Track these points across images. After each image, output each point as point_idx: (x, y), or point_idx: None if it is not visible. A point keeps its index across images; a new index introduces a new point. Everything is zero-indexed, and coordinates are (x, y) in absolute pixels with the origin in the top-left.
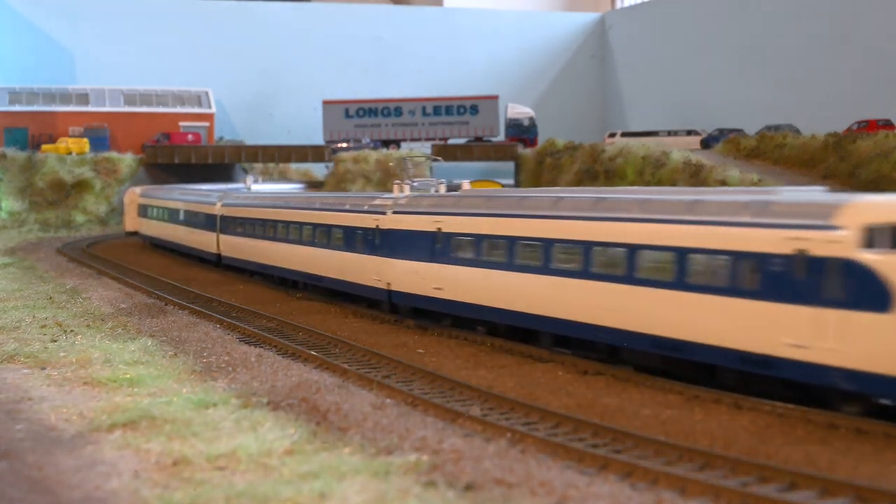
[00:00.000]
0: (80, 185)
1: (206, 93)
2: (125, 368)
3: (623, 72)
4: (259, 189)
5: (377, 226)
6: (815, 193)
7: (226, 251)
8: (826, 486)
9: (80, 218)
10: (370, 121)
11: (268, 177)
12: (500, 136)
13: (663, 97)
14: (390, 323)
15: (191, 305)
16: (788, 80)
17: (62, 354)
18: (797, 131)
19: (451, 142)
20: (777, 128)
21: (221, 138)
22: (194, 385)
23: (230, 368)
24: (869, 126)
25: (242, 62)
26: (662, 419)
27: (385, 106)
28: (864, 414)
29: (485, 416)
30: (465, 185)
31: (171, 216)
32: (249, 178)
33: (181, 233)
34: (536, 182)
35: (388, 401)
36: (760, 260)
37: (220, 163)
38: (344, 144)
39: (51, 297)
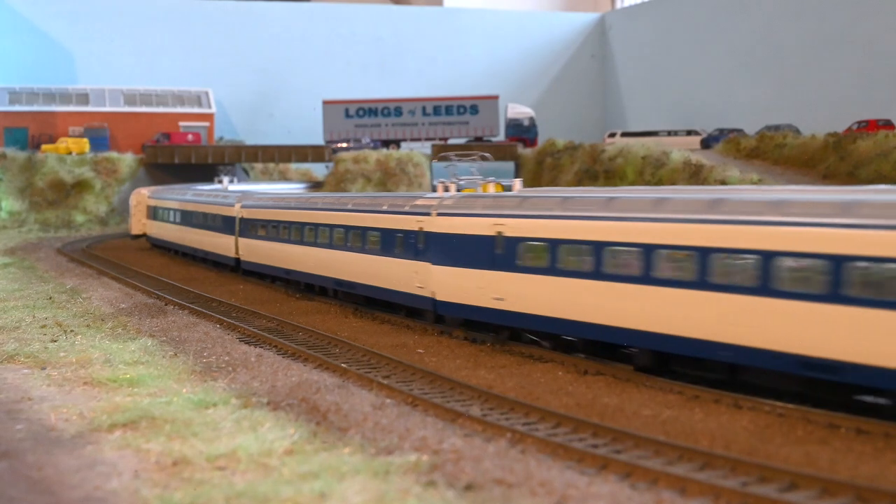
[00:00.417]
0: (80, 185)
1: (206, 93)
2: (125, 368)
3: (623, 72)
4: (240, 190)
5: (420, 228)
6: None
7: (245, 255)
8: (826, 486)
9: (80, 218)
10: (370, 121)
11: (268, 176)
12: (500, 136)
13: (663, 97)
14: (391, 323)
15: (191, 305)
16: (788, 80)
17: (62, 354)
18: (797, 131)
19: (451, 142)
20: (777, 128)
21: (221, 138)
22: (194, 385)
23: (230, 368)
24: (869, 126)
25: (242, 62)
26: (662, 419)
27: (385, 106)
28: (864, 413)
29: (485, 416)
30: (517, 184)
31: (184, 218)
32: (226, 179)
33: (195, 236)
34: (536, 182)
35: (388, 401)
36: None
37: (220, 163)
38: (344, 144)
39: (51, 297)
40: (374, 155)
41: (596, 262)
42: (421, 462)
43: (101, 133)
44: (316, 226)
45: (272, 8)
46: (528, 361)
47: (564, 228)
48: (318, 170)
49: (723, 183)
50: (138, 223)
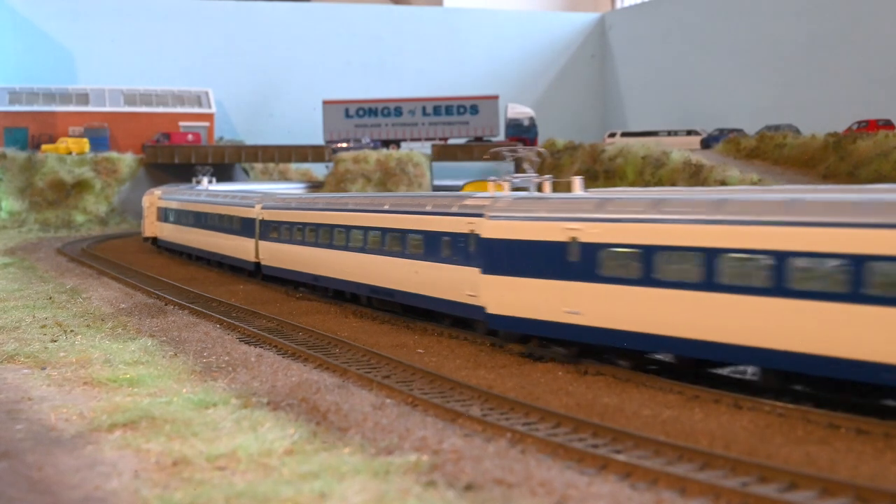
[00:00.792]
0: (80, 185)
1: (206, 93)
2: (125, 368)
3: (623, 72)
4: (220, 191)
5: (471, 231)
6: None
7: (267, 260)
8: (826, 486)
9: (80, 218)
10: (370, 121)
11: (267, 176)
12: (500, 136)
13: (663, 97)
14: (391, 323)
15: (191, 305)
16: (788, 80)
17: (62, 354)
18: (797, 131)
19: (451, 142)
20: (777, 128)
21: (221, 138)
22: (194, 385)
23: (230, 368)
24: (869, 126)
25: (242, 62)
26: (662, 419)
27: (385, 106)
28: (865, 413)
29: (485, 416)
30: (577, 183)
31: (198, 220)
32: (205, 179)
33: (211, 239)
34: None
35: (388, 401)
36: None
37: (220, 163)
38: (344, 144)
39: (51, 297)
40: (374, 155)
41: (707, 271)
42: (421, 462)
43: (101, 133)
44: (348, 228)
45: (272, 8)
46: (528, 361)
47: (663, 233)
48: (318, 170)
49: (723, 183)
50: (151, 225)
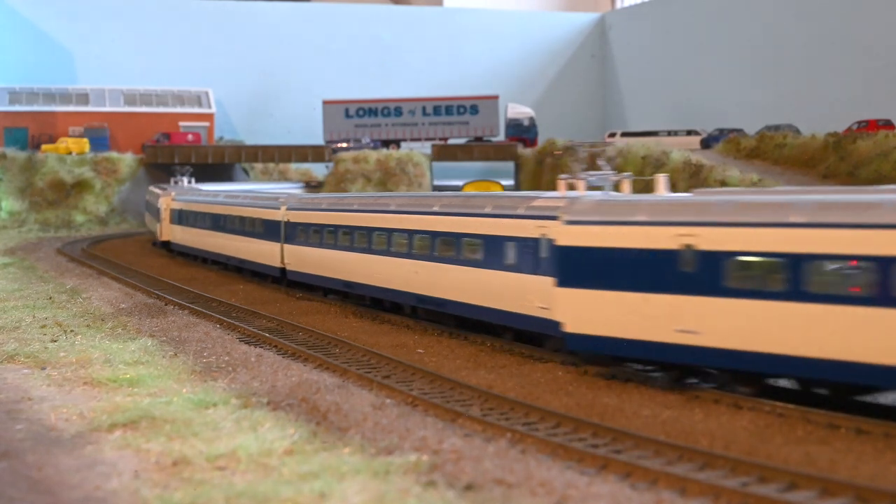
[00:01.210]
0: (80, 185)
1: (206, 93)
2: (125, 368)
3: (623, 72)
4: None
5: (542, 236)
6: None
7: (293, 265)
8: (826, 486)
9: (80, 218)
10: (370, 121)
11: (268, 176)
12: (500, 136)
13: (663, 97)
14: (391, 323)
15: (191, 305)
16: (788, 80)
17: (62, 354)
18: (797, 131)
19: (451, 142)
20: (777, 128)
21: (221, 138)
22: (194, 385)
23: (230, 368)
24: (869, 126)
25: (242, 62)
26: (662, 419)
27: (385, 106)
28: (864, 413)
29: (485, 416)
30: (662, 183)
31: (215, 223)
32: (184, 179)
33: (230, 243)
34: (537, 182)
35: (388, 401)
36: None
37: (220, 162)
38: (344, 144)
39: (51, 297)
40: (374, 155)
41: (880, 282)
42: (421, 462)
43: (101, 133)
44: (389, 231)
45: (272, 8)
46: (529, 361)
47: (818, 239)
48: (318, 170)
49: (723, 183)
50: (168, 228)
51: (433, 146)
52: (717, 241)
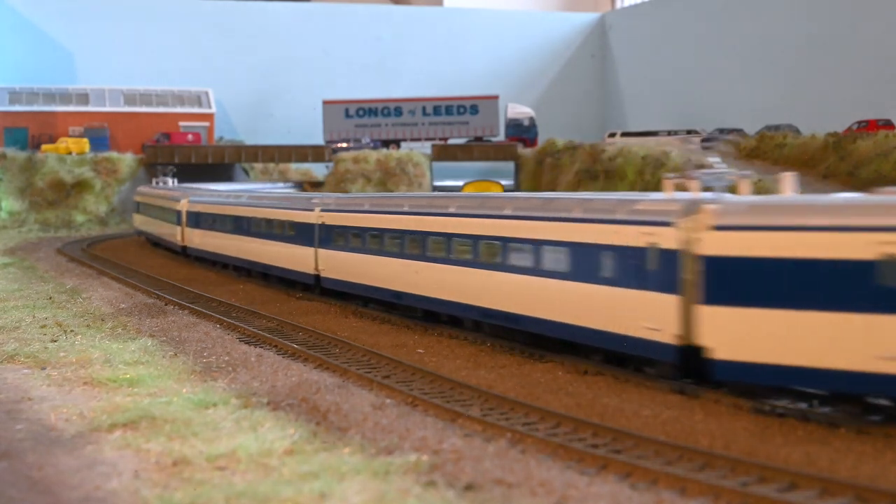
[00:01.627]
0: (80, 185)
1: (206, 93)
2: (125, 368)
3: (623, 72)
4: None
5: (650, 244)
6: None
7: (329, 271)
8: (826, 486)
9: (80, 218)
10: (370, 121)
11: (267, 176)
12: (500, 136)
13: (663, 97)
14: (391, 323)
15: (191, 305)
16: (788, 80)
17: (62, 354)
18: (797, 131)
19: (451, 142)
20: (777, 128)
21: (221, 138)
22: (194, 385)
23: (230, 368)
24: (869, 126)
25: (242, 62)
26: (662, 419)
27: (385, 106)
28: (864, 414)
29: (485, 416)
30: (789, 180)
31: (238, 226)
32: (170, 180)
33: (256, 247)
34: (537, 183)
35: (388, 401)
36: None
37: (220, 163)
38: (344, 144)
39: (51, 297)
40: (374, 155)
41: None
42: (421, 462)
43: (101, 133)
44: (449, 237)
45: (272, 8)
46: (529, 361)
47: None
48: (318, 170)
49: None
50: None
51: (433, 146)
52: None
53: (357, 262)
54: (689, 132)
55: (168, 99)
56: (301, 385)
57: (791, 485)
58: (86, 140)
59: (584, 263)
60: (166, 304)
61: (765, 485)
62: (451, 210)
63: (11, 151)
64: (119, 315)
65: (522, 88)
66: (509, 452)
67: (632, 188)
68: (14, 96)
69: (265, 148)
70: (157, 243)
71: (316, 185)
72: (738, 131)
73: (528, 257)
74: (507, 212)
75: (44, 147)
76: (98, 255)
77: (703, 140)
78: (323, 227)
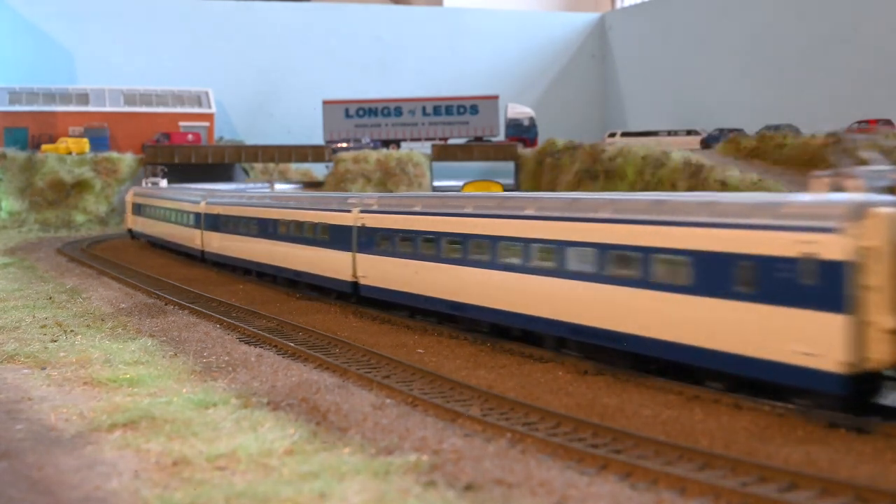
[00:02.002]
0: (80, 185)
1: (206, 93)
2: (125, 368)
3: (623, 72)
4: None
5: (808, 255)
6: None
7: (369, 279)
8: (826, 486)
9: (80, 218)
10: (370, 121)
11: (267, 176)
12: (500, 136)
13: (663, 97)
14: (391, 323)
15: (191, 305)
16: (788, 80)
17: (62, 354)
18: (797, 131)
19: (451, 142)
20: (777, 128)
21: (221, 138)
22: (194, 385)
23: (230, 368)
24: (869, 126)
25: (242, 62)
26: (662, 419)
27: (385, 106)
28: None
29: (485, 416)
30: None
31: (263, 229)
32: (162, 181)
33: (283, 251)
34: (536, 183)
35: (388, 401)
36: None
37: (220, 162)
38: (344, 144)
39: (51, 297)
40: (374, 155)
41: None
42: (421, 462)
43: (101, 133)
44: (527, 242)
45: (272, 8)
46: (529, 361)
47: None
48: (318, 170)
49: (723, 183)
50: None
51: (433, 146)
52: None
53: (405, 269)
54: (689, 132)
55: (168, 99)
56: (301, 385)
57: (791, 485)
58: (86, 140)
59: (715, 276)
60: (166, 304)
61: (765, 485)
62: (529, 213)
63: (11, 151)
64: (119, 315)
65: (522, 88)
66: (509, 452)
67: (632, 188)
68: (14, 96)
69: (265, 148)
70: (163, 247)
71: (316, 185)
72: (738, 131)
73: (636, 268)
74: (605, 215)
75: (44, 147)
76: (98, 255)
77: (704, 140)
78: (363, 229)
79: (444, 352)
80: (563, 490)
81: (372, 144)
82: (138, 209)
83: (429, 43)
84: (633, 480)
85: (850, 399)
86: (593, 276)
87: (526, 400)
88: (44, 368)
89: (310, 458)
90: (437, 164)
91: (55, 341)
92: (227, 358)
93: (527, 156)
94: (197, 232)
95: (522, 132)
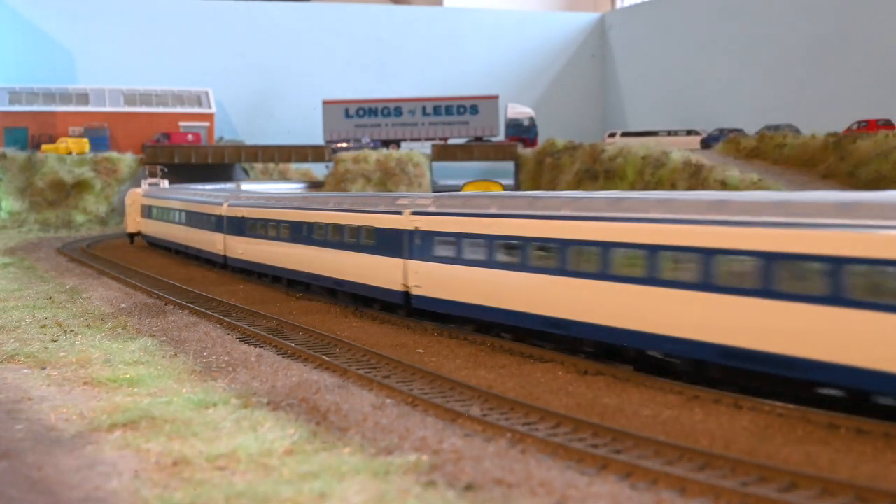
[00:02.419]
0: (80, 185)
1: (206, 93)
2: (125, 368)
3: (623, 72)
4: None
5: None
6: None
7: (426, 289)
8: (826, 486)
9: (80, 218)
10: (370, 121)
11: (268, 176)
12: (500, 136)
13: (663, 97)
14: (391, 323)
15: (191, 305)
16: (788, 80)
17: (62, 354)
18: (797, 131)
19: (451, 142)
20: (777, 128)
21: (221, 138)
22: (194, 385)
23: (230, 368)
24: (869, 126)
25: (242, 62)
26: (662, 419)
27: (385, 106)
28: (864, 414)
29: (485, 416)
30: None
31: (296, 233)
32: (163, 182)
33: (319, 258)
34: (536, 183)
35: (388, 401)
36: None
37: (220, 163)
38: (344, 144)
39: (51, 297)
40: (374, 155)
41: None
42: (421, 462)
43: (101, 133)
44: (654, 249)
45: (272, 8)
46: (529, 361)
47: None
48: (318, 170)
49: (723, 183)
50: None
51: (433, 146)
52: None
53: (478, 278)
54: (689, 132)
55: (168, 99)
56: (301, 385)
57: (791, 485)
58: (86, 140)
59: (850, 283)
60: (166, 304)
61: (765, 485)
62: (652, 214)
63: (11, 151)
64: (119, 315)
65: (522, 88)
66: (509, 452)
67: (632, 188)
68: (14, 96)
69: (265, 148)
70: (175, 250)
71: (317, 186)
72: (738, 131)
73: (761, 276)
74: (722, 218)
75: (44, 147)
76: (98, 255)
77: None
78: (417, 233)
79: (444, 352)
80: (563, 490)
81: (372, 144)
82: (147, 211)
83: (429, 43)
84: (633, 480)
85: None
86: (703, 286)
87: (526, 400)
88: (44, 368)
89: (310, 458)
90: (437, 164)
91: (55, 341)
92: (227, 358)
93: (527, 156)
94: (219, 236)
95: (522, 132)
